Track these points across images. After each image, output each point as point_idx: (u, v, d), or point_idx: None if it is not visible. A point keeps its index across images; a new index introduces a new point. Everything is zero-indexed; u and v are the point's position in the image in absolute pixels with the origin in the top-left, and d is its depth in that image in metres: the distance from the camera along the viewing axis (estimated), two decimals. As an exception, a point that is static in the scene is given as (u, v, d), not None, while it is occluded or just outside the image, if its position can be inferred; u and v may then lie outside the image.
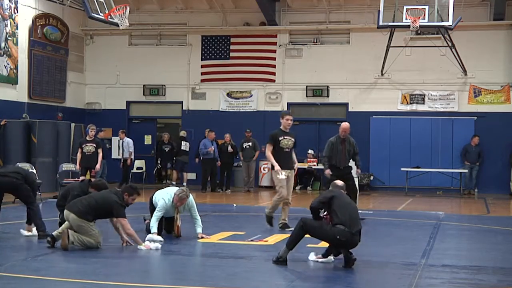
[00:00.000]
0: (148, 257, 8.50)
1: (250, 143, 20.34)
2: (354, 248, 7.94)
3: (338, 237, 7.75)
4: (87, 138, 16.08)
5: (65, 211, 9.12)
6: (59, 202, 10.68)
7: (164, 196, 9.83)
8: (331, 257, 8.09)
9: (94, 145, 15.90)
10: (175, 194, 9.72)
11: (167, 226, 10.06)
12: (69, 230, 8.96)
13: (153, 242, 9.00)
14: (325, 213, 8.06)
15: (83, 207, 8.99)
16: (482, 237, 11.30)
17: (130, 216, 10.52)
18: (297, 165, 11.05)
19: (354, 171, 12.89)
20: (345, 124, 12.65)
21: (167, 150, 20.92)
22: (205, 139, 20.07)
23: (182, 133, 21.19)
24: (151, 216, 9.82)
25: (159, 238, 9.36)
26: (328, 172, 12.28)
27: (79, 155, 15.86)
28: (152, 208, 9.96)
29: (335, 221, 7.82)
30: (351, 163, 12.77)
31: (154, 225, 9.55)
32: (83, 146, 15.88)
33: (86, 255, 8.78)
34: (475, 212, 15.64)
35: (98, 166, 15.96)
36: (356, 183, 13.08)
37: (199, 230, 9.88)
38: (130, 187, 9.26)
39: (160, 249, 8.85)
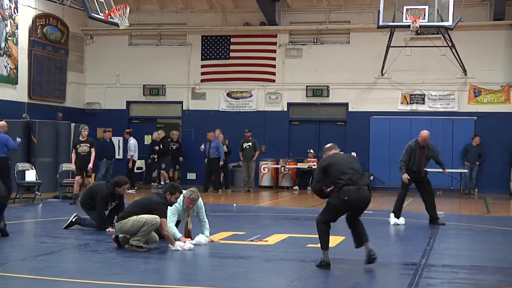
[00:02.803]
0: (148, 257, 8.49)
1: (250, 143, 20.32)
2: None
3: (345, 198, 7.69)
4: (80, 138, 16.10)
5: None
6: (85, 201, 11.11)
7: None
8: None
9: (88, 145, 15.96)
10: (184, 196, 9.49)
11: None
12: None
13: (186, 243, 8.95)
14: (331, 188, 7.91)
15: (121, 214, 9.29)
16: (482, 237, 11.30)
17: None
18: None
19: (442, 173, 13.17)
20: (426, 133, 12.63)
21: (157, 150, 20.89)
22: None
23: (161, 132, 21.25)
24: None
25: (190, 241, 9.29)
26: (405, 177, 12.30)
27: (73, 156, 15.89)
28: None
29: (339, 186, 7.72)
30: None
31: (176, 231, 9.35)
32: (77, 146, 15.90)
33: (86, 255, 8.79)
34: (475, 212, 15.64)
35: (90, 165, 16.01)
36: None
37: (206, 233, 9.70)
38: (171, 186, 9.30)
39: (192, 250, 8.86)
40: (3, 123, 15.92)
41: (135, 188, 19.85)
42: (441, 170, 12.82)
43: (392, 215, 12.59)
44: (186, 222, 9.66)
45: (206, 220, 9.81)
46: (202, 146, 20.14)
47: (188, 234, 9.61)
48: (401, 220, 12.41)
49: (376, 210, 15.01)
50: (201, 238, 9.35)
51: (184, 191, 9.58)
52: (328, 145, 8.33)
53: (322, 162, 8.12)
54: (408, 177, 12.46)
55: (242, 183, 20.86)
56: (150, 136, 22.44)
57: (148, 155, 21.13)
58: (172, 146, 21.05)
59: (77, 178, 15.80)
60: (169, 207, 9.41)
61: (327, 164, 7.91)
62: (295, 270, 7.83)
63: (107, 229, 10.51)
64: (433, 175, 20.60)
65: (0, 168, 14.89)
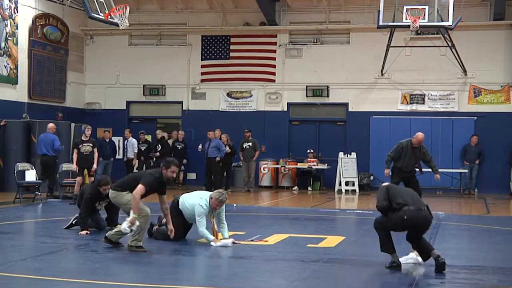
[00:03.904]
0: (148, 257, 8.49)
1: (250, 143, 20.31)
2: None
3: (405, 217, 7.65)
4: (83, 138, 16.06)
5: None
6: (79, 202, 11.13)
7: (199, 201, 9.42)
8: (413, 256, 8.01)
9: (91, 144, 15.91)
10: (211, 197, 9.40)
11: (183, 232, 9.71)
12: None
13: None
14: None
15: (117, 182, 9.26)
16: (482, 237, 11.30)
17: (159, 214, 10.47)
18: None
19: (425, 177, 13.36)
20: (421, 136, 12.72)
21: (143, 149, 20.80)
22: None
23: (159, 132, 21.22)
24: (173, 220, 9.47)
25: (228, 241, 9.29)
26: (387, 172, 12.43)
27: (75, 156, 15.83)
28: (176, 212, 9.57)
29: (399, 206, 7.73)
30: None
31: (206, 232, 9.26)
32: (79, 146, 15.85)
33: (86, 255, 8.79)
34: (475, 212, 15.64)
35: (95, 165, 15.98)
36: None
37: (226, 234, 9.59)
38: (165, 161, 9.11)
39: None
40: (52, 125, 17.16)
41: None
42: (441, 170, 12.90)
43: None
44: (212, 223, 9.53)
45: (225, 222, 9.68)
46: (200, 146, 20.20)
47: (215, 235, 9.49)
48: None
49: (376, 210, 15.00)
50: (227, 242, 9.31)
51: (211, 193, 9.54)
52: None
53: (384, 184, 8.20)
54: (390, 173, 12.67)
55: (242, 183, 20.85)
56: (150, 136, 22.44)
57: (144, 154, 20.99)
58: (177, 146, 21.02)
59: (79, 178, 15.72)
60: (198, 207, 9.30)
61: (389, 185, 8.07)
62: (295, 270, 7.83)
63: (81, 232, 10.29)
64: (434, 174, 20.71)
65: (47, 165, 16.40)
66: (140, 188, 8.69)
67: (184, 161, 21.24)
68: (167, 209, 9.31)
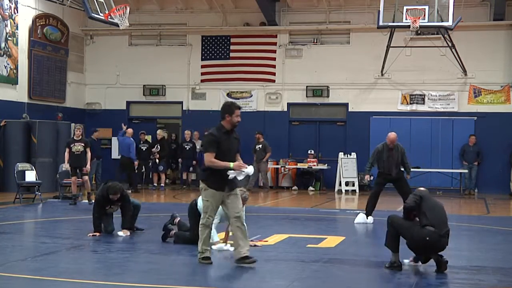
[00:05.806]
0: (148, 257, 8.50)
1: (261, 145, 20.33)
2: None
3: (427, 238, 7.57)
4: (75, 137, 15.98)
5: None
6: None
7: None
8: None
9: (83, 144, 15.76)
10: None
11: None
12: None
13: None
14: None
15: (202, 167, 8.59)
16: (482, 237, 11.30)
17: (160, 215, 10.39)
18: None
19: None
20: (392, 135, 12.82)
21: (143, 150, 20.56)
22: None
23: (160, 132, 21.27)
24: (190, 222, 9.31)
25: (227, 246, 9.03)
26: (367, 177, 12.62)
27: (67, 155, 15.69)
28: (194, 214, 9.23)
29: (424, 223, 7.64)
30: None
31: (215, 233, 9.04)
32: (71, 146, 15.75)
33: (86, 255, 8.79)
34: (475, 212, 15.64)
35: (88, 166, 15.83)
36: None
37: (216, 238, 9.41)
38: (226, 107, 8.58)
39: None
40: (130, 130, 19.76)
41: (133, 189, 19.72)
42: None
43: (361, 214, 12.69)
44: (228, 224, 9.13)
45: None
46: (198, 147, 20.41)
47: (227, 236, 9.32)
48: (370, 220, 12.39)
49: (376, 210, 14.99)
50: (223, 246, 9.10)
51: None
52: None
53: (417, 192, 7.98)
54: (370, 179, 13.52)
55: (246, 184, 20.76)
56: (150, 136, 22.43)
57: (144, 154, 20.94)
58: (185, 146, 20.98)
59: (73, 178, 15.60)
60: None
61: (425, 197, 7.84)
62: (295, 270, 7.83)
63: (89, 234, 10.07)
64: (434, 174, 20.77)
65: (123, 164, 19.22)
66: (205, 157, 8.26)
67: (194, 162, 21.20)
68: (212, 162, 8.33)
